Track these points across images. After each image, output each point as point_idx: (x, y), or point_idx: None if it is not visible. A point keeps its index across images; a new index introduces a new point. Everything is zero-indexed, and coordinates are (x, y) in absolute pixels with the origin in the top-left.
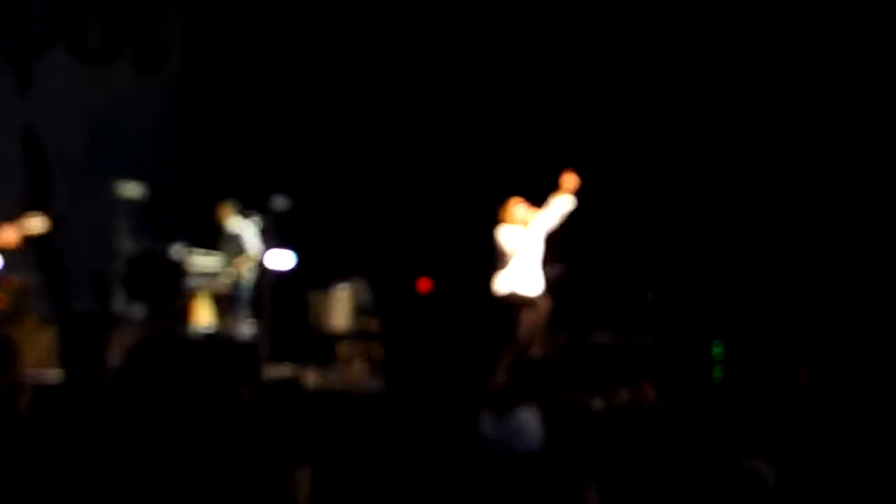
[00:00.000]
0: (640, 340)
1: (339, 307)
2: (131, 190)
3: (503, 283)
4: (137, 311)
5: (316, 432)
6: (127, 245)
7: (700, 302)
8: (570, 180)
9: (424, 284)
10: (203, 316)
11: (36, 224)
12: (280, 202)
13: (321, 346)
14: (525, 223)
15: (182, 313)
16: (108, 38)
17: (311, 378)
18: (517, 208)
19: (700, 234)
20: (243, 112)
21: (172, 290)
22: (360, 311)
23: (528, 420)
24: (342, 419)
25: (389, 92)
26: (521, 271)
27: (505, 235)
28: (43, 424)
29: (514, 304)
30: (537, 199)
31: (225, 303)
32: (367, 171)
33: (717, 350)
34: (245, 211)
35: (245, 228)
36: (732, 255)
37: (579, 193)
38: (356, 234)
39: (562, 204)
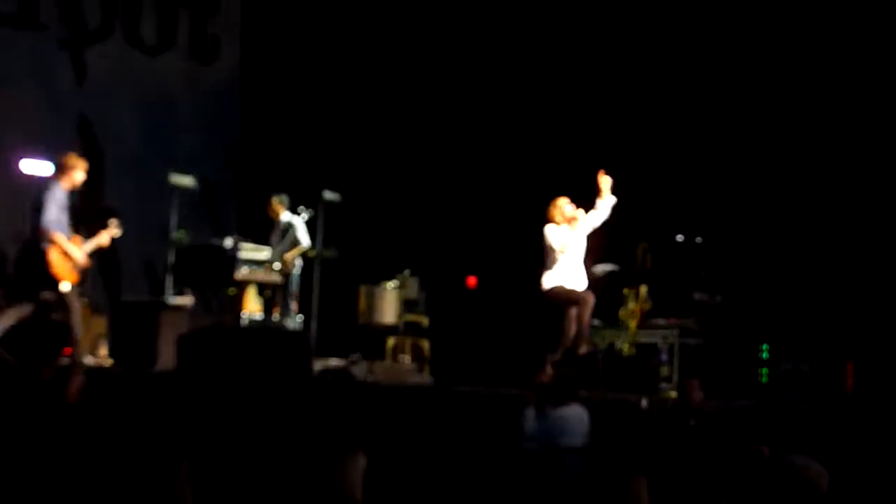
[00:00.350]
0: (688, 340)
1: (388, 302)
2: (185, 181)
3: (550, 281)
4: (188, 301)
5: (368, 422)
6: (179, 235)
7: (748, 303)
8: (604, 181)
9: (472, 281)
10: (253, 307)
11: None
12: (331, 196)
13: (370, 340)
14: (572, 222)
15: (232, 304)
16: (163, 29)
17: (360, 371)
18: (564, 207)
19: (748, 234)
20: (298, 106)
21: (223, 280)
22: (407, 306)
23: (574, 417)
24: (392, 411)
25: (443, 90)
26: (568, 269)
27: (552, 233)
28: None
29: (561, 300)
30: (583, 198)
31: (274, 295)
32: (419, 168)
33: (765, 351)
34: (296, 205)
35: (296, 222)
36: (780, 256)
37: (631, 191)
38: (406, 230)
39: (606, 203)
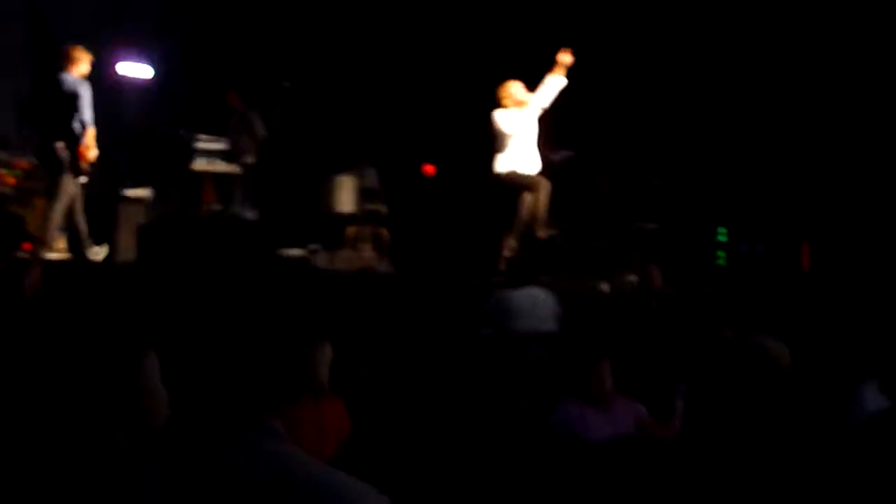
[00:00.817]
0: (645, 225)
1: (346, 192)
2: (138, 71)
3: (502, 165)
4: (146, 192)
5: (330, 312)
6: (134, 127)
7: (705, 187)
8: (564, 57)
9: (430, 169)
10: (210, 198)
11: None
12: (286, 87)
13: (329, 230)
14: (522, 105)
15: (189, 195)
16: None
17: (321, 260)
18: (514, 90)
19: (704, 120)
20: None
21: (180, 172)
22: (366, 195)
23: (530, 299)
24: (353, 299)
25: None
26: (520, 153)
27: (502, 118)
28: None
29: (515, 184)
30: (534, 82)
31: (232, 186)
32: (371, 58)
33: (722, 235)
34: (253, 96)
35: (253, 114)
36: (735, 141)
37: (585, 79)
38: (362, 119)
39: (555, 83)
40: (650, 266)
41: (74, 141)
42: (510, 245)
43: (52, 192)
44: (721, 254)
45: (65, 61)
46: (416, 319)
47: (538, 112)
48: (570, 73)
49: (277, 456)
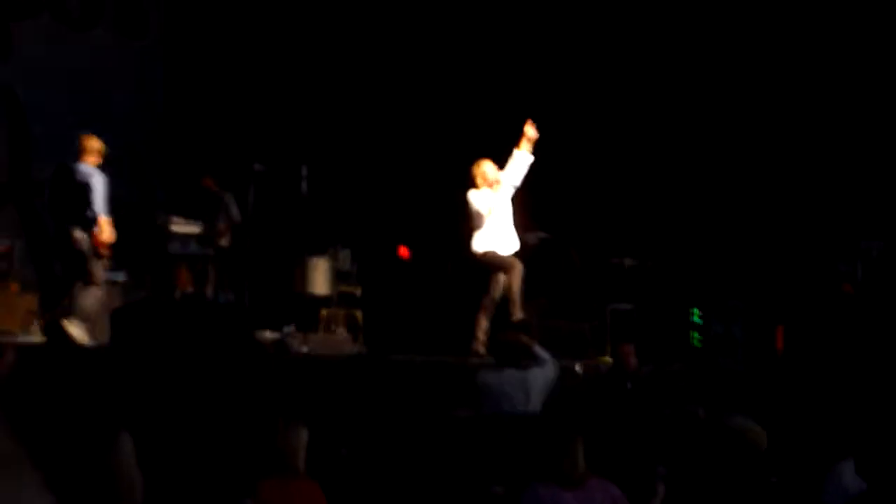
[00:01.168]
0: (619, 306)
1: (320, 273)
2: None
3: (479, 245)
4: (120, 276)
5: (305, 393)
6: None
7: (679, 268)
8: (529, 130)
9: (404, 251)
10: (185, 281)
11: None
12: (260, 168)
13: (303, 312)
14: (494, 185)
15: (164, 278)
16: (88, 4)
17: (296, 342)
18: (486, 169)
19: (678, 200)
20: (225, 78)
21: (155, 255)
22: (340, 277)
23: (516, 380)
24: (328, 381)
25: (367, 62)
26: (496, 232)
27: (476, 198)
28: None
29: (490, 264)
30: (506, 161)
31: (207, 269)
32: (348, 139)
33: (696, 315)
34: (226, 179)
35: (227, 197)
36: (709, 220)
37: (555, 158)
38: (336, 201)
39: (523, 159)
40: (624, 346)
41: (89, 228)
42: (483, 326)
43: (84, 279)
44: (695, 334)
45: (79, 151)
46: (392, 401)
47: (511, 191)
48: (542, 151)
49: None
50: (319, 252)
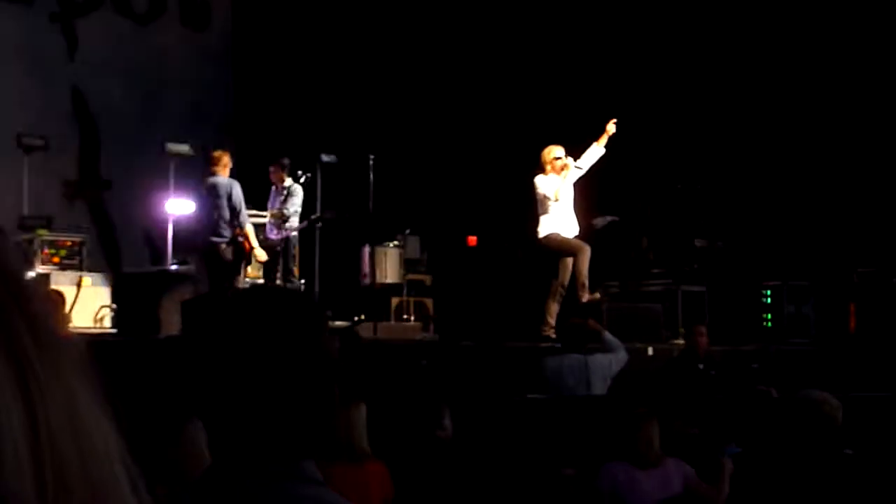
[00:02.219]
0: (691, 287)
1: (390, 262)
2: (181, 149)
3: (545, 229)
4: (190, 269)
5: (371, 376)
6: (179, 203)
7: (750, 248)
8: (611, 127)
9: (472, 240)
10: (253, 273)
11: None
12: (328, 158)
13: (373, 301)
14: (562, 170)
15: (233, 270)
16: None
17: (365, 331)
18: (556, 155)
19: (747, 179)
20: (291, 69)
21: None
22: (409, 265)
23: (579, 364)
24: (398, 366)
25: (439, 47)
26: (561, 217)
27: (543, 183)
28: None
29: (557, 248)
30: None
31: (275, 260)
32: (417, 127)
33: (768, 296)
34: (295, 169)
35: (296, 189)
36: (780, 200)
37: (628, 140)
38: (405, 189)
39: (596, 152)
40: (696, 327)
41: (235, 239)
42: (552, 310)
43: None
44: (767, 315)
45: (215, 164)
46: (463, 386)
47: (576, 177)
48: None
49: (314, 499)
50: (388, 241)
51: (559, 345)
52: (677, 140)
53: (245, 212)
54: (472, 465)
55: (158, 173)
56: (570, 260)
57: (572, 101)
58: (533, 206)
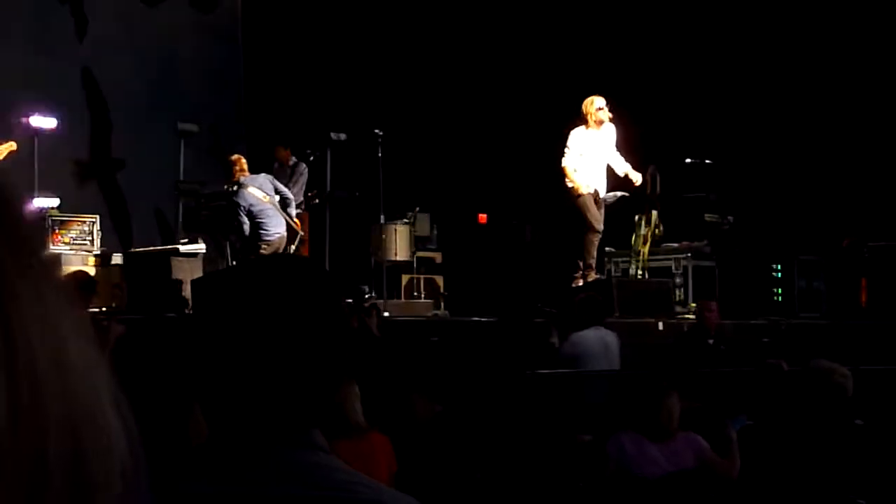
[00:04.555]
0: (702, 262)
1: (400, 240)
2: (191, 128)
3: (572, 181)
4: (201, 248)
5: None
6: (187, 182)
7: (760, 222)
8: (636, 177)
9: (483, 218)
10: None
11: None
12: (338, 137)
13: (383, 278)
14: (600, 124)
15: (245, 248)
16: None
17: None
18: (596, 107)
19: (756, 154)
20: (300, 47)
21: (232, 226)
22: (419, 243)
23: (597, 340)
24: (410, 342)
25: (448, 26)
26: (591, 171)
27: (574, 136)
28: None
29: (577, 206)
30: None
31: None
32: (425, 105)
33: (778, 271)
34: (304, 147)
35: (302, 165)
36: (790, 174)
37: (635, 114)
38: (415, 167)
39: (620, 168)
40: (706, 302)
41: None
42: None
43: None
44: (777, 290)
45: (238, 168)
46: (476, 360)
47: (609, 152)
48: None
49: (320, 467)
50: (398, 218)
51: (573, 320)
52: (686, 115)
53: (290, 193)
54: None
55: (169, 153)
56: (592, 237)
57: (582, 76)
58: (563, 156)
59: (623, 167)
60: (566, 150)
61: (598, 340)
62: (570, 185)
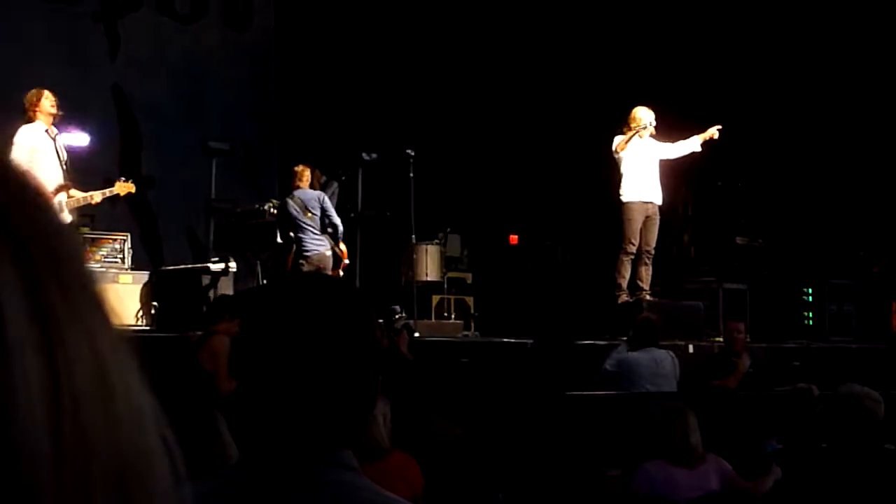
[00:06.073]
0: (732, 285)
1: (431, 260)
2: (222, 146)
3: (627, 193)
4: (232, 266)
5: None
6: (219, 201)
7: (791, 247)
8: (714, 132)
9: (514, 239)
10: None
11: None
12: (369, 157)
13: (414, 299)
14: (641, 130)
15: (276, 267)
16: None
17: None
18: (640, 115)
19: (788, 178)
20: (333, 67)
21: (265, 244)
22: (450, 263)
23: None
24: (441, 363)
25: (481, 47)
26: (640, 180)
27: (618, 141)
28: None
29: (624, 221)
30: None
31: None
32: (457, 126)
33: (809, 294)
34: (335, 168)
35: (331, 185)
36: (821, 198)
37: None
38: (446, 188)
39: (691, 145)
40: (734, 323)
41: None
42: (624, 271)
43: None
44: (808, 313)
45: (298, 179)
46: (506, 383)
47: (661, 155)
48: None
49: (350, 486)
50: (429, 239)
51: (626, 340)
52: (718, 138)
53: (339, 222)
54: (516, 462)
55: (200, 171)
56: (643, 228)
57: (612, 98)
58: (616, 166)
59: (691, 140)
60: (616, 157)
61: (649, 362)
62: (624, 197)
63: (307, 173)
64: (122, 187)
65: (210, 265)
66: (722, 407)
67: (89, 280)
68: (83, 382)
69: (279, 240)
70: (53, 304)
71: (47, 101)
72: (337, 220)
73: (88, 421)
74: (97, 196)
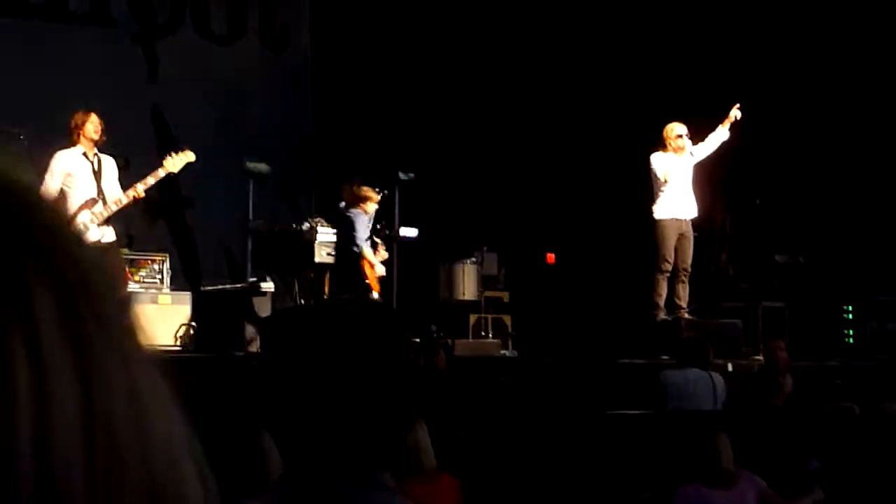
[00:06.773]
0: (772, 303)
1: (468, 279)
2: (260, 168)
3: (660, 211)
4: (269, 286)
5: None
6: (257, 222)
7: (832, 264)
8: (736, 112)
9: (551, 258)
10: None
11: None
12: (406, 176)
13: (451, 318)
14: (679, 151)
15: (313, 287)
16: (233, 19)
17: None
18: (676, 132)
19: (828, 195)
20: (370, 88)
21: (303, 264)
22: (487, 282)
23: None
24: (479, 383)
25: (519, 65)
26: (676, 197)
27: (656, 161)
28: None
29: (657, 240)
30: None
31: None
32: (493, 144)
33: (849, 312)
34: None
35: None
36: (861, 215)
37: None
38: (481, 206)
39: (720, 135)
40: (774, 341)
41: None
42: (661, 289)
43: None
44: (849, 331)
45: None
46: (544, 403)
47: (696, 160)
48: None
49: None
50: (466, 258)
51: (674, 360)
52: (756, 155)
53: (362, 238)
54: (552, 484)
55: (237, 192)
56: (678, 246)
57: (646, 117)
58: (648, 182)
59: (718, 131)
60: (653, 174)
61: (699, 383)
62: (657, 214)
63: (354, 191)
64: (177, 160)
65: (248, 285)
66: (764, 426)
67: (124, 308)
68: (118, 411)
69: (316, 259)
70: (90, 333)
71: (91, 126)
72: (359, 240)
73: (122, 449)
74: (140, 188)
